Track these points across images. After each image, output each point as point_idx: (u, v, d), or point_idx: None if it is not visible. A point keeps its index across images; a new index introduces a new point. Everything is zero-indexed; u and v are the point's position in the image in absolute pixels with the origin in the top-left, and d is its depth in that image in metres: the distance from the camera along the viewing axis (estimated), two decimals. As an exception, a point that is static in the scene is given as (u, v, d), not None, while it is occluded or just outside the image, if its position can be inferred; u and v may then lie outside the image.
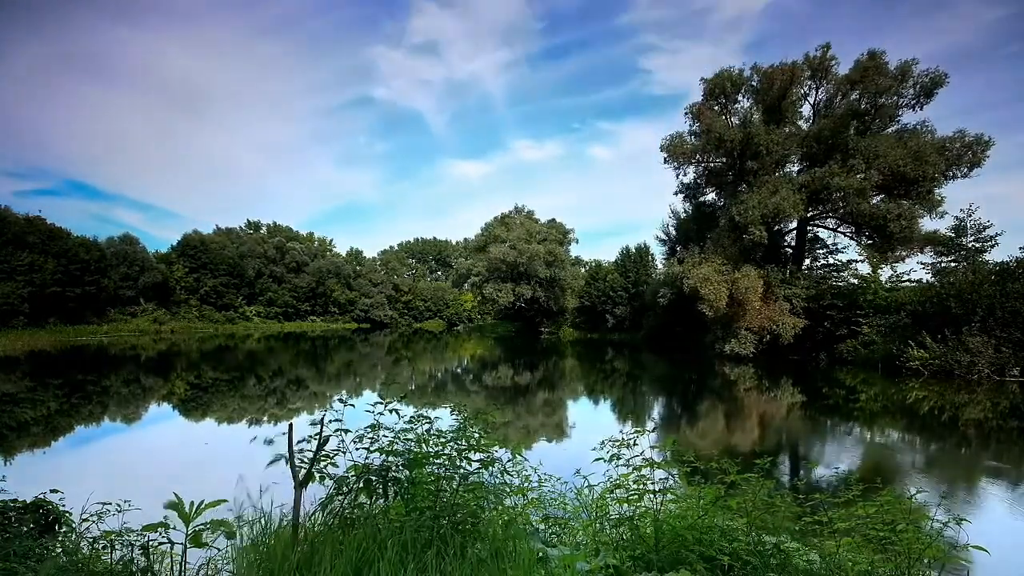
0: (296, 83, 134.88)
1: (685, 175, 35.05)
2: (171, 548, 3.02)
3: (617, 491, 3.79)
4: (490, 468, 3.65)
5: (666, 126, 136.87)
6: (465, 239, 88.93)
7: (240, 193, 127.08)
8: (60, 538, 3.58)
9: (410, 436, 3.78)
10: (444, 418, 4.15)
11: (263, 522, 3.56)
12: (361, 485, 3.43)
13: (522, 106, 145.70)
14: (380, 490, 3.42)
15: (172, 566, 3.04)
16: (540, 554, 2.95)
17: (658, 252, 49.42)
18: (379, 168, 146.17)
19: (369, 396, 16.40)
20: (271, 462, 3.27)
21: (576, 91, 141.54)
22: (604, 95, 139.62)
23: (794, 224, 32.42)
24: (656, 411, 15.68)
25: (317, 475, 3.44)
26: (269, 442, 3.42)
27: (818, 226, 33.00)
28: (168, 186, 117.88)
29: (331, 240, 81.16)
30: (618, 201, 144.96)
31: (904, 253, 28.71)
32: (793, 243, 33.58)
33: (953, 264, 28.05)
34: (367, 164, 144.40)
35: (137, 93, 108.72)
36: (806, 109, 31.86)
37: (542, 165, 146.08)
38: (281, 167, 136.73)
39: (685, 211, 39.65)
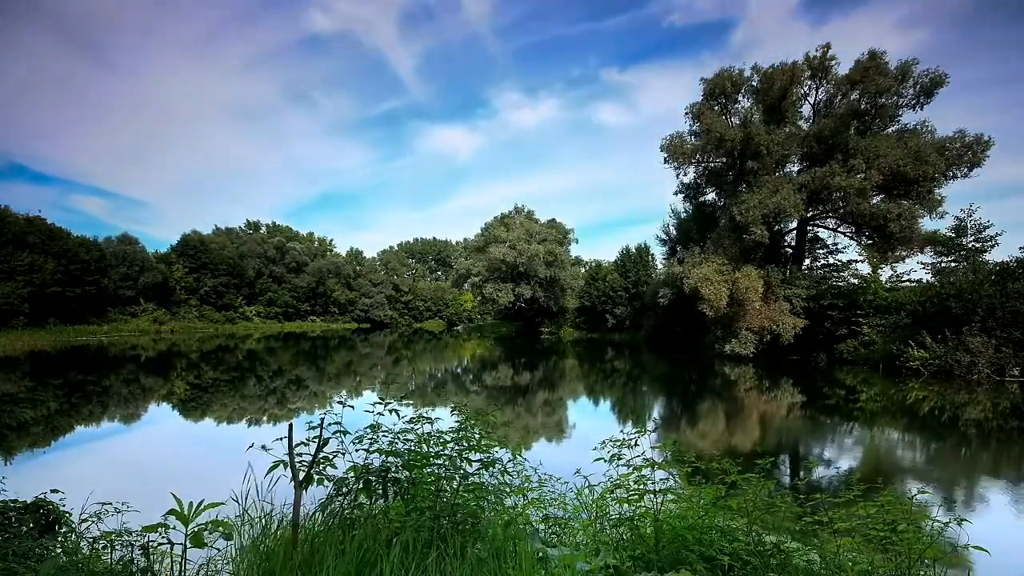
0: (216, 10, 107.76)
1: (685, 175, 35.12)
2: (171, 548, 3.02)
3: (617, 491, 3.79)
4: (490, 468, 3.65)
5: (695, 72, 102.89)
6: (465, 239, 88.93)
7: (211, 175, 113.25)
8: (60, 538, 3.58)
9: (410, 437, 3.79)
10: (444, 418, 4.15)
11: (263, 523, 3.56)
12: (361, 486, 3.43)
13: (509, 39, 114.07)
14: (380, 491, 3.42)
15: (172, 566, 3.04)
16: (540, 554, 2.95)
17: (658, 252, 49.49)
18: (356, 143, 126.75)
19: (369, 396, 16.40)
20: (271, 468, 3.26)
21: (578, 15, 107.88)
22: (613, 22, 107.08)
23: (794, 224, 32.42)
24: (656, 411, 15.67)
25: (317, 476, 3.44)
26: (267, 448, 3.41)
27: (818, 226, 33.00)
28: (125, 169, 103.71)
29: (331, 240, 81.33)
30: (634, 183, 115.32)
31: (904, 253, 28.70)
32: (793, 243, 33.57)
33: (953, 264, 28.06)
34: (343, 137, 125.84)
35: (41, 38, 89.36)
36: (806, 109, 31.91)
37: (540, 134, 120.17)
38: (251, 140, 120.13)
39: (685, 211, 39.66)
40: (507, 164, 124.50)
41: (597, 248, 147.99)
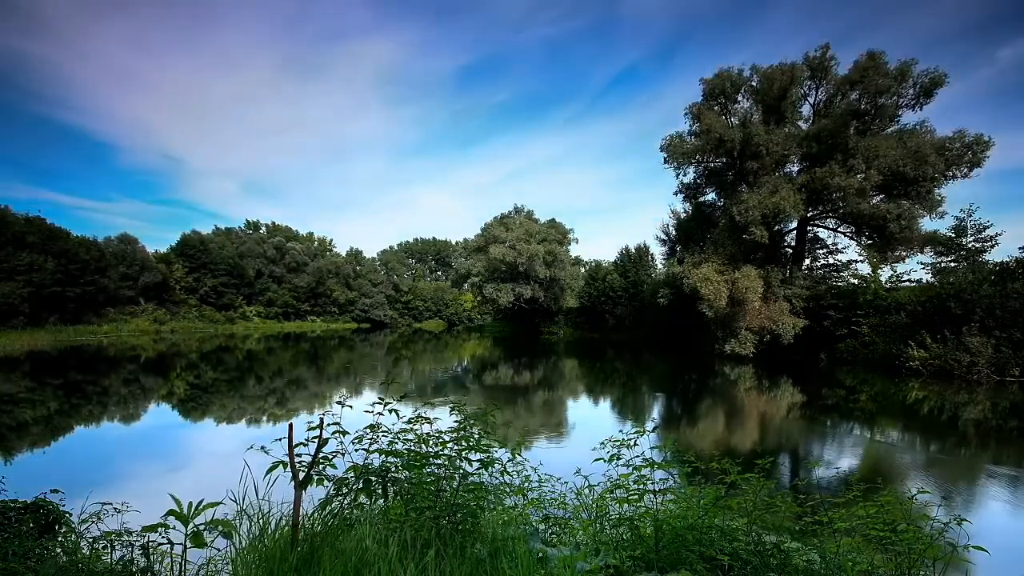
0: None
1: (685, 175, 35.05)
2: (171, 548, 3.02)
3: (617, 491, 3.79)
4: (490, 468, 3.65)
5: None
6: (465, 239, 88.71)
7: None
8: (60, 538, 3.58)
9: (409, 437, 3.79)
10: (444, 418, 4.15)
11: (262, 522, 3.56)
12: (360, 486, 3.43)
13: None
14: (380, 491, 3.42)
15: (172, 566, 3.04)
16: (540, 554, 2.94)
17: (658, 252, 49.53)
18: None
19: (369, 396, 16.39)
20: (271, 469, 3.26)
21: None
22: None
23: (794, 224, 32.42)
24: (656, 411, 15.67)
25: (316, 476, 3.44)
26: (266, 450, 3.41)
27: (818, 226, 33.00)
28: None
29: (331, 240, 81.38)
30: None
31: (904, 253, 28.73)
32: (793, 243, 33.57)
33: (953, 264, 28.08)
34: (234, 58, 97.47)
35: None
36: (806, 109, 31.90)
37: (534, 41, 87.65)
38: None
39: (685, 211, 39.64)
40: (487, 91, 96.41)
41: (626, 237, 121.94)
